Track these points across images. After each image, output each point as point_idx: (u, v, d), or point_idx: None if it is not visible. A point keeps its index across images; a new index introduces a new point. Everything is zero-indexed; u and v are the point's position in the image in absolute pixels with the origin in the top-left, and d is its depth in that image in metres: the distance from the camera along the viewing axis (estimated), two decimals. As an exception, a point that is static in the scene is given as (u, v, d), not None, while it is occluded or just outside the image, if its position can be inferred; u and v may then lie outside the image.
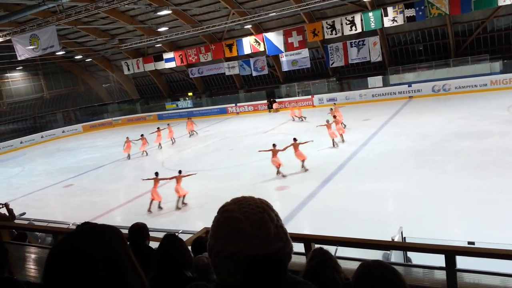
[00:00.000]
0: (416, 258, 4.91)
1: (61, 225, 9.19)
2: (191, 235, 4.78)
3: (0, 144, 33.49)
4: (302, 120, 26.30)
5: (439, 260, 3.29)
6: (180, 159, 21.37)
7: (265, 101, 34.51)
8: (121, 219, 13.35)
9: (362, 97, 30.17)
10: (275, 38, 29.93)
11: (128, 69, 37.59)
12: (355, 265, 2.96)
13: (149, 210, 13.57)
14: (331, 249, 3.16)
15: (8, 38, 20.59)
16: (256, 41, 30.67)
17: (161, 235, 3.42)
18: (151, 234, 4.08)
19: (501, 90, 24.70)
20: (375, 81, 30.19)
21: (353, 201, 11.67)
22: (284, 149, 15.15)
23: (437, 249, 3.42)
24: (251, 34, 31.64)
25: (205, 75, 37.67)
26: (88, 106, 43.92)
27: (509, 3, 22.65)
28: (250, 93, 37.17)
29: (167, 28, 29.37)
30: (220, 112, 36.28)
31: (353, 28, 26.68)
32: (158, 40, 31.73)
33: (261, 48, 30.63)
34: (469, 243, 5.46)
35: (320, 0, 24.79)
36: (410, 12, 25.07)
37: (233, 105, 36.10)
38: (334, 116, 19.10)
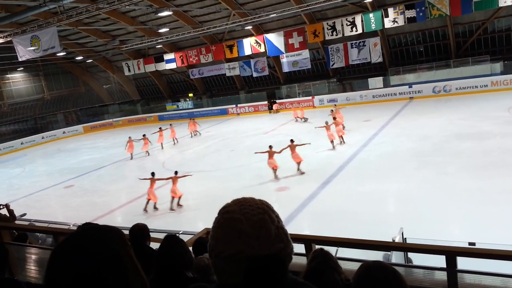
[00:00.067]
0: (417, 258, 4.91)
1: (62, 226, 9.20)
2: (191, 235, 4.78)
3: (1, 145, 33.53)
4: (305, 121, 26.22)
5: (439, 261, 3.29)
6: (181, 160, 21.38)
7: (266, 102, 34.51)
8: (122, 220, 13.36)
9: (363, 98, 30.17)
10: (276, 39, 29.96)
11: (129, 70, 37.64)
12: (355, 266, 2.96)
13: (145, 210, 13.64)
14: (331, 250, 3.16)
15: (9, 39, 20.62)
16: (257, 42, 30.70)
17: (161, 235, 3.42)
18: (152, 235, 4.09)
19: (502, 91, 24.69)
20: (376, 82, 30.19)
21: (354, 202, 11.66)
22: (281, 151, 15.01)
23: (438, 250, 3.41)
24: (251, 35, 31.68)
25: (206, 76, 37.70)
26: (89, 107, 43.96)
27: (510, 4, 22.66)
28: (251, 94, 37.18)
29: (168, 29, 29.40)
30: (221, 113, 36.29)
31: (354, 29, 26.71)
32: (159, 41, 31.75)
33: (262, 49, 30.67)
34: (470, 244, 5.46)
35: (320, 1, 24.81)
36: (411, 13, 25.09)
37: (234, 106, 36.12)
38: (334, 118, 19.02)
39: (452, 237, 8.00)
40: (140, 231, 3.78)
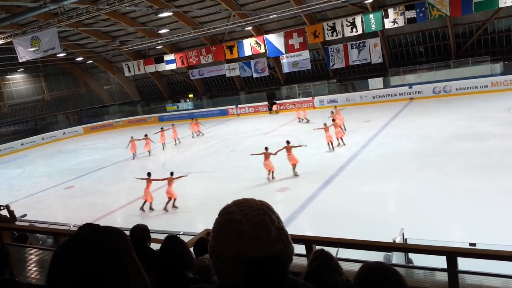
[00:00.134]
0: (418, 259, 4.91)
1: (62, 227, 9.20)
2: (192, 236, 4.78)
3: (1, 146, 33.54)
4: (307, 122, 26.06)
5: (440, 261, 3.29)
6: (181, 160, 21.39)
7: (266, 103, 34.53)
8: (122, 221, 13.35)
9: (363, 99, 30.18)
10: (276, 39, 29.98)
11: (129, 71, 37.65)
12: (356, 266, 2.96)
13: (141, 209, 13.81)
14: (332, 250, 3.16)
15: (9, 40, 20.64)
16: (257, 43, 30.72)
17: (162, 236, 3.42)
18: (152, 235, 4.09)
19: (502, 92, 24.69)
20: (376, 82, 30.20)
21: (354, 202, 11.66)
22: (276, 152, 14.96)
23: (439, 251, 3.41)
24: (251, 35, 31.70)
25: (206, 77, 37.71)
26: (89, 108, 43.98)
27: (510, 4, 22.66)
28: (251, 94, 37.19)
29: (168, 30, 29.42)
30: (221, 113, 36.30)
31: (354, 29, 26.72)
32: (159, 42, 31.77)
33: (262, 50, 30.68)
34: (471, 244, 5.46)
35: (320, 2, 24.84)
36: (411, 14, 25.10)
37: (234, 106, 36.13)
38: (333, 120, 18.91)
39: (452, 237, 8.00)
40: (141, 232, 3.78)
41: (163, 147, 24.94)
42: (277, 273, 1.12)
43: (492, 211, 9.67)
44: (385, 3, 27.39)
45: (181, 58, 34.59)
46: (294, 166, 15.12)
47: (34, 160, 29.49)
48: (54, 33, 18.47)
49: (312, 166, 16.12)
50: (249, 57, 33.07)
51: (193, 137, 27.45)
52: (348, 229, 9.22)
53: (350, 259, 3.60)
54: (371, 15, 26.13)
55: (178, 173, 18.12)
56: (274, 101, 34.18)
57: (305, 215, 11.60)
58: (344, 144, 18.32)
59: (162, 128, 25.34)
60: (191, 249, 3.70)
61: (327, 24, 27.63)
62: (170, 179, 13.67)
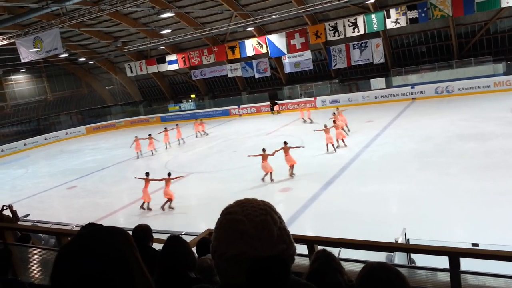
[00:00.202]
0: (420, 259, 4.90)
1: (65, 227, 9.22)
2: (194, 236, 4.78)
3: (4, 146, 33.65)
4: (311, 122, 25.81)
5: (443, 262, 3.28)
6: (183, 160, 21.41)
7: (268, 103, 34.52)
8: (124, 221, 13.37)
9: (365, 99, 30.14)
10: (278, 40, 29.98)
11: (131, 71, 37.71)
12: (358, 267, 2.96)
13: (141, 207, 13.99)
14: (334, 250, 3.16)
15: (12, 40, 20.70)
16: (259, 43, 30.72)
17: (164, 236, 3.43)
18: (154, 235, 4.09)
19: (504, 92, 24.60)
20: (378, 82, 30.16)
21: (356, 202, 11.65)
22: (274, 153, 14.89)
23: (441, 251, 3.40)
24: (253, 36, 31.70)
25: (208, 77, 37.74)
26: (91, 108, 44.08)
27: (512, 4, 22.61)
28: (253, 95, 37.19)
29: (170, 31, 29.46)
30: (223, 114, 36.32)
31: (356, 30, 26.69)
32: (161, 42, 31.82)
33: (264, 50, 30.69)
34: (473, 244, 5.45)
35: (322, 2, 24.83)
36: (413, 14, 25.06)
37: (236, 107, 36.15)
38: (334, 121, 18.73)
39: (454, 238, 7.98)
40: (143, 232, 3.79)
41: (166, 147, 25.01)
42: (279, 273, 1.12)
43: (494, 211, 9.64)
44: (387, 3, 27.35)
45: (183, 58, 34.63)
46: (292, 167, 15.03)
47: (36, 160, 29.56)
48: (57, 33, 18.52)
49: (314, 167, 16.12)
50: (251, 58, 33.07)
51: (196, 136, 27.50)
52: (350, 229, 9.21)
53: (352, 259, 3.60)
54: (373, 15, 26.10)
55: (180, 173, 18.19)
56: (276, 101, 34.15)
57: (307, 215, 11.59)
58: (345, 146, 18.15)
59: (165, 128, 25.47)
60: (194, 249, 3.71)
61: (329, 24, 27.61)
62: (168, 180, 13.74)
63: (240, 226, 1.16)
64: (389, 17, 25.57)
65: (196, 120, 29.18)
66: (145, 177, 14.13)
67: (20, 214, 8.90)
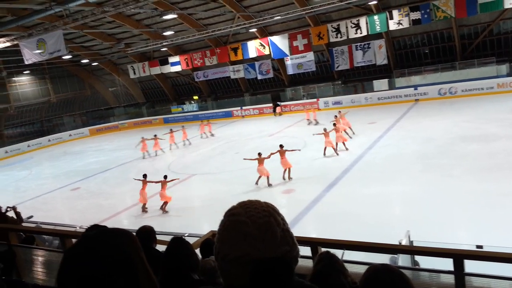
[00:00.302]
0: (424, 261, 4.88)
1: (68, 228, 9.24)
2: (197, 238, 4.78)
3: (7, 148, 33.79)
4: (317, 123, 25.54)
5: (447, 264, 3.27)
6: (186, 162, 21.44)
7: (271, 105, 34.51)
8: (128, 222, 13.41)
9: (368, 100, 30.10)
10: (280, 41, 30.00)
11: (134, 73, 37.83)
12: (362, 268, 2.95)
13: (146, 210, 14.09)
14: (337, 252, 3.15)
15: (15, 42, 20.79)
16: (261, 45, 30.75)
17: (167, 238, 3.43)
18: (158, 237, 4.09)
19: (508, 93, 24.53)
20: (381, 84, 30.12)
21: (359, 204, 11.62)
22: (269, 156, 14.75)
23: (445, 253, 3.39)
24: (256, 37, 31.74)
25: (210, 79, 37.82)
26: (95, 110, 44.22)
27: (516, 5, 22.54)
28: (255, 96, 37.21)
29: (173, 32, 29.54)
30: (226, 115, 36.36)
31: (358, 31, 26.68)
32: (164, 44, 31.90)
33: (266, 52, 30.71)
34: (477, 246, 5.42)
35: (325, 4, 24.82)
36: (416, 15, 25.03)
37: (239, 108, 36.18)
38: (334, 124, 18.43)
39: (458, 239, 7.96)
40: (147, 233, 3.79)
41: (170, 148, 25.08)
42: (282, 275, 1.12)
43: (498, 212, 9.60)
44: (389, 4, 27.34)
45: (186, 60, 34.71)
46: (288, 170, 14.90)
47: (40, 161, 29.66)
48: (60, 35, 18.58)
49: (317, 169, 16.11)
50: (254, 59, 33.10)
51: (201, 137, 27.56)
52: (353, 231, 9.18)
53: (356, 261, 3.59)
54: (375, 17, 26.09)
55: (183, 174, 18.23)
56: (278, 103, 34.10)
57: (310, 217, 11.57)
58: (346, 149, 17.75)
59: (171, 130, 25.60)
60: (197, 250, 3.71)
61: (332, 25, 27.61)
62: (163, 183, 13.79)
63: (243, 228, 1.16)
64: (391, 18, 25.55)
65: (202, 121, 29.21)
66: (143, 179, 14.23)
67: (23, 215, 8.93)
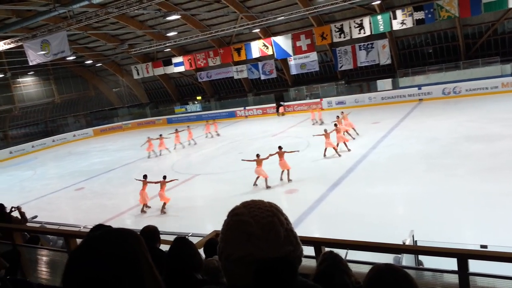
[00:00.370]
0: (428, 261, 4.87)
1: (73, 228, 9.28)
2: (201, 238, 4.79)
3: (12, 148, 33.94)
4: (322, 123, 25.21)
5: (451, 263, 3.26)
6: (190, 162, 21.48)
7: (274, 105, 34.50)
8: (131, 222, 13.44)
9: (371, 100, 30.03)
10: (284, 41, 29.98)
11: (138, 74, 37.92)
12: (366, 268, 2.94)
13: (145, 210, 14.17)
14: (341, 252, 3.15)
15: (20, 43, 20.89)
16: (265, 45, 30.74)
17: (171, 238, 3.44)
18: (161, 237, 4.10)
19: (512, 93, 24.42)
20: (385, 84, 30.04)
21: (363, 204, 11.60)
22: (268, 157, 14.66)
23: (450, 253, 3.38)
24: (259, 38, 31.74)
25: (214, 79, 37.86)
26: (99, 110, 44.36)
27: (520, 4, 22.41)
28: (259, 96, 37.22)
29: (176, 33, 29.58)
30: (229, 115, 36.37)
31: (362, 31, 26.62)
32: (167, 44, 31.96)
33: (270, 52, 30.70)
34: (482, 246, 5.40)
35: (328, 4, 24.79)
36: (419, 15, 24.94)
37: (242, 108, 36.19)
38: (335, 125, 18.25)
39: (461, 239, 7.92)
40: (151, 233, 3.80)
41: (175, 147, 25.15)
42: (286, 275, 1.12)
43: (501, 213, 9.55)
44: (393, 4, 27.27)
45: (189, 60, 34.76)
46: (287, 172, 14.80)
47: (44, 162, 29.78)
48: (64, 36, 18.66)
49: (320, 168, 16.09)
50: (257, 59, 33.11)
51: (206, 137, 27.60)
52: (357, 231, 9.16)
53: (360, 261, 3.58)
54: (379, 17, 26.02)
55: (187, 174, 18.26)
56: (281, 103, 34.05)
57: (313, 217, 11.56)
58: (348, 150, 17.57)
59: (176, 130, 25.68)
60: (201, 250, 3.71)
61: (335, 25, 27.57)
62: (163, 183, 13.84)
63: (247, 228, 1.16)
64: (395, 18, 25.48)
65: (207, 121, 29.24)
66: (143, 179, 14.28)
67: (28, 215, 8.97)
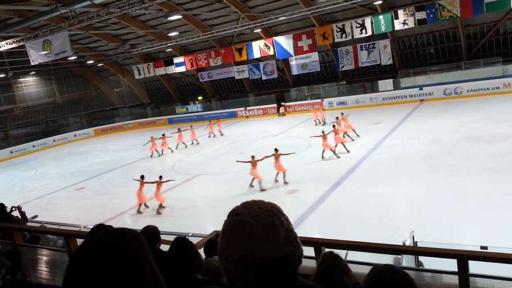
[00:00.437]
0: (428, 262, 4.86)
1: (73, 228, 9.28)
2: (201, 238, 4.79)
3: (13, 148, 34.00)
4: (324, 124, 25.19)
5: (451, 264, 3.26)
6: (191, 162, 21.48)
7: (275, 105, 34.49)
8: (132, 222, 13.44)
9: (373, 100, 30.01)
10: (285, 42, 29.98)
11: (139, 74, 37.95)
12: (366, 269, 2.94)
13: (144, 209, 14.23)
14: (341, 253, 3.15)
15: (21, 43, 20.92)
16: (266, 45, 30.75)
17: (171, 238, 3.44)
18: (161, 237, 4.10)
19: (514, 93, 24.37)
20: (386, 84, 30.01)
21: (363, 204, 11.59)
22: (263, 158, 14.56)
23: (450, 254, 3.38)
24: (260, 38, 31.74)
25: (215, 79, 37.86)
26: (100, 110, 44.41)
27: (522, 5, 22.38)
28: (260, 97, 37.22)
29: (178, 33, 29.59)
30: (230, 116, 36.38)
31: (363, 31, 26.60)
32: (169, 44, 31.98)
33: (271, 52, 30.70)
34: (482, 247, 5.39)
35: (329, 4, 24.77)
36: (421, 15, 24.92)
37: (243, 108, 36.19)
38: (334, 126, 18.12)
39: (462, 240, 7.91)
40: (151, 234, 3.80)
41: (177, 147, 25.18)
42: (286, 275, 1.12)
43: (503, 214, 9.53)
44: (395, 4, 27.24)
45: (191, 60, 34.78)
46: (283, 175, 14.70)
47: (45, 162, 29.82)
48: (65, 36, 18.67)
49: (321, 169, 16.08)
50: (258, 59, 33.11)
51: (209, 136, 27.63)
52: (357, 232, 9.16)
53: (360, 262, 3.58)
54: (380, 17, 26.01)
55: (187, 174, 18.27)
56: (282, 103, 34.03)
57: (314, 217, 11.56)
58: (347, 151, 17.46)
59: (179, 129, 25.70)
60: (201, 250, 3.71)
61: (336, 25, 27.56)
62: (159, 183, 13.85)
63: (247, 228, 1.16)
64: (397, 18, 25.46)
65: (210, 121, 29.26)
66: (140, 179, 14.30)
67: (28, 215, 8.98)
